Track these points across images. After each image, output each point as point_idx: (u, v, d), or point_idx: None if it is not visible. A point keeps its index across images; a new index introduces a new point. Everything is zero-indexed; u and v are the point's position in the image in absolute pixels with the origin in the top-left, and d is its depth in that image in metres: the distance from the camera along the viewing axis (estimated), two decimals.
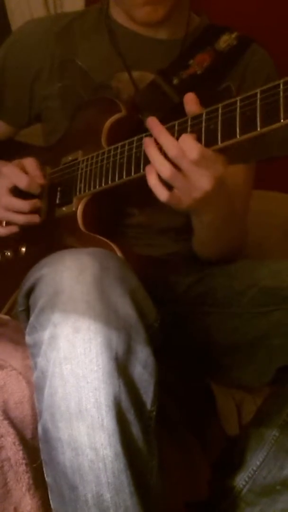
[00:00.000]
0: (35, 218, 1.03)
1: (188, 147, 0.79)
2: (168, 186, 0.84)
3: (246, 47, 1.10)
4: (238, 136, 0.75)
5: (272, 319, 0.93)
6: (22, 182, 1.01)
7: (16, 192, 1.03)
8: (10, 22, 2.06)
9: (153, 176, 0.84)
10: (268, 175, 1.29)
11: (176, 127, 0.83)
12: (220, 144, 0.78)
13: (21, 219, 1.03)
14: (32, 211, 1.03)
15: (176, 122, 0.83)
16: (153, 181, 0.84)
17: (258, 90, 0.74)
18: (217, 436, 1.04)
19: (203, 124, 0.80)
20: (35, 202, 1.03)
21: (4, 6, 2.06)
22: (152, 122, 0.84)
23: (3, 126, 1.22)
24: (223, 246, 1.06)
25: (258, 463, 0.88)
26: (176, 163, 0.81)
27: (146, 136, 0.87)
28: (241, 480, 0.88)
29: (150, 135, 0.86)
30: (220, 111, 0.78)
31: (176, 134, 0.82)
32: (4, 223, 1.07)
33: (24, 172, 1.02)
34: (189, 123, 0.82)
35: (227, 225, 0.99)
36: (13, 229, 1.06)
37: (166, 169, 0.82)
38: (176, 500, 0.89)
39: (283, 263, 0.97)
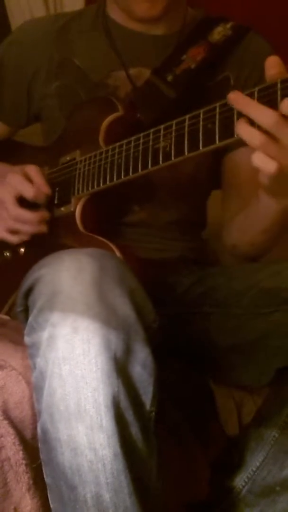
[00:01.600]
0: (43, 228, 1.04)
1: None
2: None
3: (242, 36, 1.09)
4: None
5: (272, 320, 0.92)
6: (29, 192, 1.01)
7: (21, 200, 1.03)
8: (10, 22, 2.08)
9: (259, 152, 0.73)
10: None
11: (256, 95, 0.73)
12: None
13: (30, 229, 1.04)
14: (40, 222, 1.03)
15: (257, 88, 0.73)
16: (260, 155, 0.73)
17: None
18: (217, 436, 1.03)
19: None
20: (44, 213, 1.03)
21: (4, 6, 2.07)
22: (236, 95, 0.73)
23: (1, 126, 1.22)
24: (276, 237, 1.03)
25: (257, 463, 0.87)
26: (273, 132, 0.71)
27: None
28: (240, 481, 0.88)
29: (147, 135, 0.86)
30: None
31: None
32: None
33: (29, 181, 1.02)
34: (270, 91, 0.71)
35: None
36: (24, 237, 1.06)
37: (257, 137, 0.71)
38: (176, 500, 0.89)
39: (283, 264, 0.97)
